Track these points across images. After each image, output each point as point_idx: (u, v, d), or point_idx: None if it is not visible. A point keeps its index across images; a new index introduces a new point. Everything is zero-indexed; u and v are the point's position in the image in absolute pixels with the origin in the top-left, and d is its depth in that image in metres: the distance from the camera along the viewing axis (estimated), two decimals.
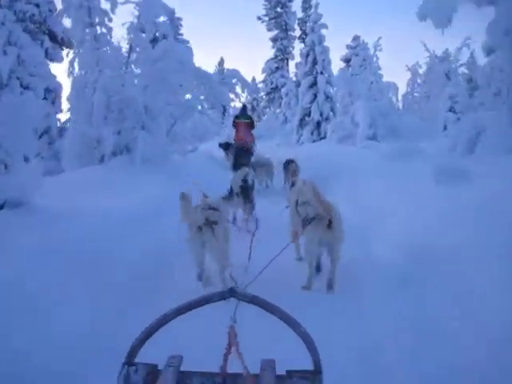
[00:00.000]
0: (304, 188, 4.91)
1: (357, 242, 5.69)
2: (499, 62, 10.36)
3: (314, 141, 21.96)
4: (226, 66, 52.77)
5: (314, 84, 22.50)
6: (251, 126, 13.58)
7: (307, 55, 22.72)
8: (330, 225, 4.49)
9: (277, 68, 44.89)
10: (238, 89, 13.34)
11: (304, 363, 1.66)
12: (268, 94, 44.73)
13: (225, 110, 38.75)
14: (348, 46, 37.97)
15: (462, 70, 23.16)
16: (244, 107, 14.46)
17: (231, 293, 1.75)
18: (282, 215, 6.02)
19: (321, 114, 22.13)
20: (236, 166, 11.25)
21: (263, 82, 45.42)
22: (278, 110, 41.94)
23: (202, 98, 11.93)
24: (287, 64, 45.40)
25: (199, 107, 12.89)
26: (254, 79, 47.72)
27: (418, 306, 4.11)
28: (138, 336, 1.70)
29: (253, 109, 46.49)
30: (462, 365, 3.13)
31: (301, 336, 1.66)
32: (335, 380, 2.06)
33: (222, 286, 4.30)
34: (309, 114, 22.71)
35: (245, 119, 13.38)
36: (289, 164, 10.44)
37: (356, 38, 36.15)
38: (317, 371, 1.64)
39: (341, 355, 3.36)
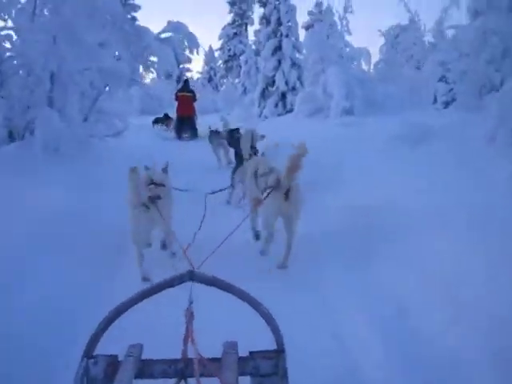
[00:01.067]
0: (262, 159, 5.24)
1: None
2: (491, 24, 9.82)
3: (278, 114, 19.13)
4: None
5: (278, 49, 19.47)
6: (193, 98, 15.53)
7: (270, 15, 19.66)
8: (287, 195, 4.35)
9: (235, 34, 41.79)
10: (186, 49, 10.21)
11: (267, 343, 1.68)
12: (226, 62, 41.77)
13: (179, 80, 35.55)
14: (310, 13, 34.78)
15: (450, 33, 20.39)
16: (186, 81, 16.37)
17: (190, 275, 1.74)
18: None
19: (286, 84, 19.19)
20: (179, 132, 14.86)
21: (220, 49, 42.32)
22: (236, 80, 39.27)
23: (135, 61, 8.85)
24: (246, 30, 42.48)
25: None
26: (210, 48, 44.67)
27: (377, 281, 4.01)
28: (96, 327, 1.66)
29: (210, 79, 43.54)
30: (423, 335, 3.12)
31: (262, 316, 1.69)
32: (298, 358, 2.06)
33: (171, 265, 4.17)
34: (272, 84, 19.76)
35: (187, 92, 15.20)
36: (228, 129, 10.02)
37: (318, 4, 33.25)
38: (280, 350, 1.68)
39: (302, 333, 3.20)
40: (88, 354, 1.64)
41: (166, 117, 16.89)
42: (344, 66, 16.88)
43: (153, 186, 4.43)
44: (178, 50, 9.37)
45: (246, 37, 41.75)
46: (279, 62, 19.28)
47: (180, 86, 16.07)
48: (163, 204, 4.36)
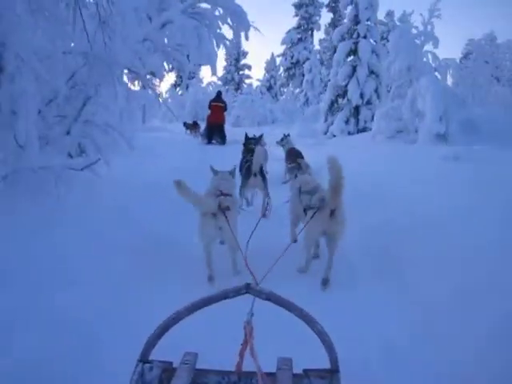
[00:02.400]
0: (308, 177, 5.27)
1: None
2: None
3: (349, 132, 15.53)
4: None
5: (353, 52, 15.86)
6: (224, 109, 16.73)
7: (345, 9, 16.08)
8: (332, 214, 4.25)
9: (299, 40, 38.43)
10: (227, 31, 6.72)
11: (321, 362, 1.65)
12: (287, 69, 38.48)
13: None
14: (381, 22, 30.98)
15: None
16: (219, 93, 17.61)
17: (247, 289, 1.72)
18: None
19: (361, 96, 15.55)
20: (209, 137, 16.15)
21: (283, 55, 39.11)
22: (297, 90, 36.13)
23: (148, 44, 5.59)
24: (311, 35, 38.95)
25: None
26: (272, 55, 41.71)
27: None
28: (153, 333, 1.68)
29: (269, 87, 40.59)
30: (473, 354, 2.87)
31: (317, 334, 1.65)
32: (354, 379, 1.99)
33: (235, 274, 4.37)
34: (343, 95, 16.18)
35: (220, 103, 16.58)
36: (289, 148, 9.72)
37: (390, 14, 29.56)
38: (334, 370, 1.64)
39: (358, 352, 3.01)
40: (143, 358, 1.65)
41: (195, 123, 19.33)
42: (437, 79, 13.25)
43: (222, 196, 4.37)
44: (215, 32, 5.88)
45: (311, 43, 38.44)
46: (354, 68, 15.66)
47: (213, 97, 17.44)
48: (231, 215, 4.26)
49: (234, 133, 14.74)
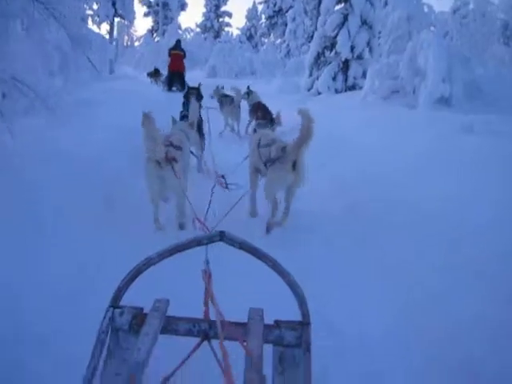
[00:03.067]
0: (268, 131, 5.20)
1: None
2: None
3: (337, 90, 13.86)
4: None
5: None
6: (183, 56, 17.33)
7: None
8: (294, 166, 4.30)
9: None
10: None
11: (294, 314, 1.66)
12: (269, 18, 36.16)
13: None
14: None
15: None
16: (178, 41, 18.13)
17: (221, 236, 1.67)
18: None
19: (352, 49, 13.78)
20: (170, 84, 16.70)
21: (265, 2, 36.67)
22: (278, 41, 34.18)
23: None
24: None
25: None
26: (254, 3, 39.30)
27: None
28: (123, 278, 1.67)
29: (250, 36, 38.36)
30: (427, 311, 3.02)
31: (289, 285, 1.65)
32: (324, 330, 2.19)
33: (179, 225, 4.32)
34: (331, 47, 14.38)
35: (179, 51, 17.26)
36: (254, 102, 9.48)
37: None
38: (305, 322, 1.66)
39: (328, 305, 3.01)
40: (114, 304, 1.64)
41: (156, 71, 19.10)
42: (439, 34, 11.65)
43: (171, 148, 4.24)
44: None
45: None
46: (345, 17, 13.80)
47: (173, 45, 17.88)
48: (178, 167, 4.17)
49: (208, 84, 13.07)
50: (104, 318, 1.62)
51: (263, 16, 38.07)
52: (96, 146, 6.23)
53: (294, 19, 29.16)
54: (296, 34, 29.41)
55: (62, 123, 6.05)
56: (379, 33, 14.51)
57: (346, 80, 13.88)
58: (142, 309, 1.68)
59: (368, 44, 14.14)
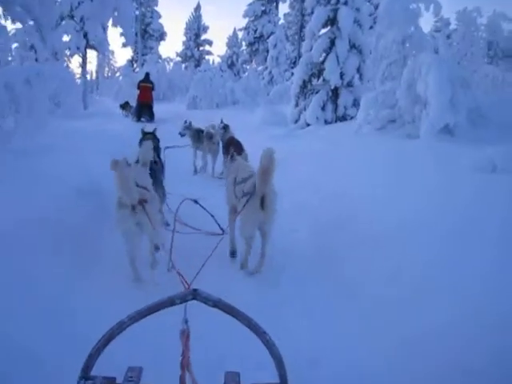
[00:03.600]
0: (243, 163, 5.10)
1: None
2: None
3: (326, 121, 12.58)
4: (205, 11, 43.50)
5: (331, 22, 12.78)
6: (152, 88, 19.02)
7: None
8: (262, 204, 4.30)
9: (263, 12, 35.12)
10: None
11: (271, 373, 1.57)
12: (250, 44, 35.28)
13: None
14: None
15: None
16: (147, 74, 19.99)
17: (194, 295, 1.62)
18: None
19: (341, 76, 12.61)
20: (139, 114, 18.05)
21: (245, 29, 35.77)
22: (260, 67, 33.30)
23: None
24: (276, 7, 35.89)
25: None
26: (234, 30, 38.56)
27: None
28: (94, 345, 1.58)
29: (231, 64, 37.43)
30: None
31: (266, 345, 1.60)
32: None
33: (151, 272, 4.27)
34: (318, 74, 13.19)
35: (148, 83, 18.98)
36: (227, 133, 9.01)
37: None
38: None
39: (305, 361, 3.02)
40: (85, 374, 1.53)
41: (126, 103, 20.77)
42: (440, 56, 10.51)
43: (139, 188, 4.16)
44: None
45: (276, 15, 35.46)
46: (332, 41, 12.62)
47: (143, 78, 19.48)
48: (150, 208, 4.13)
49: (189, 116, 11.92)
50: None
51: (243, 43, 37.17)
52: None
53: (275, 45, 28.19)
54: (278, 61, 28.42)
55: None
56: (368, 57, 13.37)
57: (335, 109, 12.64)
58: (114, 379, 1.52)
59: (358, 70, 12.96)
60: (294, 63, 33.51)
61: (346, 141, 9.64)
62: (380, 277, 4.09)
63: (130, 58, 48.83)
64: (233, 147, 7.59)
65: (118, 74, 47.05)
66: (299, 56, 36.72)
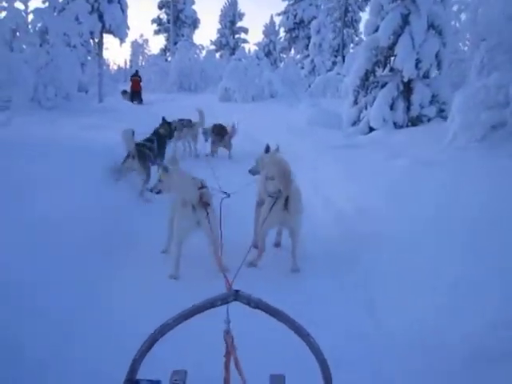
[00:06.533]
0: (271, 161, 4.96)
1: None
2: None
3: (396, 124, 9.60)
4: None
5: None
6: (140, 80, 26.36)
7: None
8: (286, 205, 4.38)
9: None
10: None
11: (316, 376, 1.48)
12: (290, 31, 32.31)
13: None
14: None
15: None
16: (137, 70, 28.75)
17: (235, 296, 1.54)
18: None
19: (417, 65, 9.60)
20: (131, 99, 24.88)
21: (284, 13, 32.88)
22: (298, 56, 30.56)
23: None
24: None
25: None
26: (271, 17, 36.00)
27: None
28: (138, 349, 1.53)
29: (268, 53, 34.78)
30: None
31: (310, 348, 1.50)
32: None
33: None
34: (384, 62, 10.23)
35: (137, 77, 26.34)
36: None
37: None
38: None
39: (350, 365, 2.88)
40: (131, 379, 1.51)
41: (124, 91, 26.95)
42: None
43: (204, 190, 4.35)
44: None
45: None
46: (405, 18, 9.64)
47: (133, 73, 27.62)
48: (212, 211, 4.29)
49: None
50: None
51: (282, 29, 34.38)
52: None
53: (318, 31, 25.33)
54: (322, 48, 25.52)
55: None
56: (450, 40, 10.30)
57: (408, 109, 9.64)
58: (159, 382, 1.50)
59: (436, 57, 9.91)
60: (337, 51, 30.58)
61: (438, 159, 6.64)
62: None
63: (163, 46, 47.36)
64: (215, 129, 9.92)
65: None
66: (343, 44, 33.81)
